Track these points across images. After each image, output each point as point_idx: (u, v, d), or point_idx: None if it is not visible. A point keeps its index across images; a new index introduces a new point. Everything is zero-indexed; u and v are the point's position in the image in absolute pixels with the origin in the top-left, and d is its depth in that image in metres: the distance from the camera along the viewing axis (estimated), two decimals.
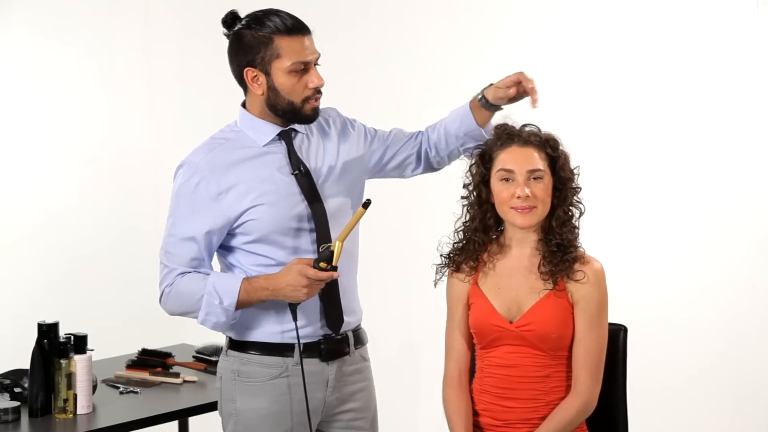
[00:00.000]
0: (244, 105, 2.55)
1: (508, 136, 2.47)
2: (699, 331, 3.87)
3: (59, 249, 4.43)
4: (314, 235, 2.48)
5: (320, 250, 2.38)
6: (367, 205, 2.34)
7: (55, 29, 4.43)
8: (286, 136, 2.52)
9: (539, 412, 2.43)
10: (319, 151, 2.57)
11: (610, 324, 2.50)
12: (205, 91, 4.62)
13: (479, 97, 2.57)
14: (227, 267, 2.54)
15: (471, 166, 2.53)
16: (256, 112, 2.51)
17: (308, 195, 2.47)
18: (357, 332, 2.61)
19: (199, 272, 2.45)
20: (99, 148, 4.57)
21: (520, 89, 2.50)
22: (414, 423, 4.27)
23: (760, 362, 3.79)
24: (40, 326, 2.81)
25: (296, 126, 2.53)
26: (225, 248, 2.51)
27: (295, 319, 2.43)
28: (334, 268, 2.36)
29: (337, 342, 2.54)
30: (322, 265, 2.34)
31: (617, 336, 2.58)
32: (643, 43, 3.90)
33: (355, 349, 2.60)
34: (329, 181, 2.53)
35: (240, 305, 2.41)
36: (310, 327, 2.49)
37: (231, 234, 2.47)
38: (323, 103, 2.53)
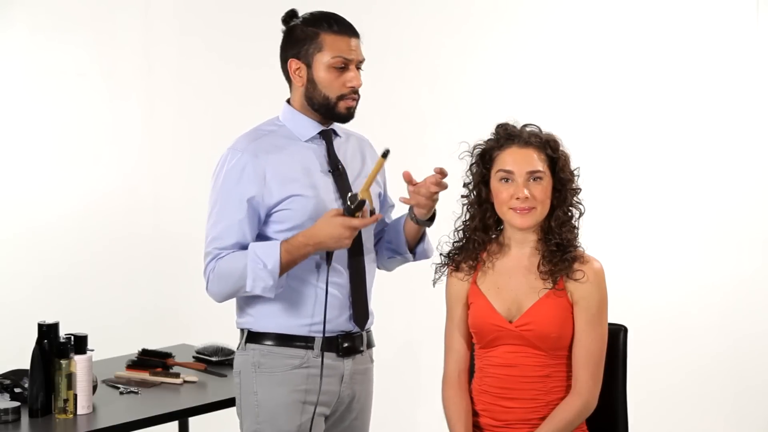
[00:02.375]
0: (289, 101, 2.62)
1: (508, 136, 2.47)
2: (699, 331, 3.88)
3: (59, 249, 4.42)
4: None
5: (348, 201, 2.42)
6: (386, 154, 2.40)
7: (55, 29, 4.42)
8: (326, 135, 2.59)
9: (539, 412, 2.43)
10: (355, 157, 2.65)
11: (610, 324, 2.50)
12: (205, 91, 4.62)
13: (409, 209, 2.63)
14: None
15: (471, 165, 2.53)
16: (297, 106, 2.58)
17: (342, 194, 2.54)
18: (369, 333, 2.67)
19: (237, 251, 2.49)
20: (99, 148, 4.57)
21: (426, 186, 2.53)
22: (414, 423, 4.27)
23: (760, 363, 3.80)
24: (40, 326, 2.81)
25: (336, 128, 2.62)
26: (261, 238, 2.54)
27: (329, 263, 2.48)
28: (372, 212, 2.43)
29: (354, 339, 2.59)
30: (349, 203, 2.41)
31: (617, 336, 2.58)
32: (643, 44, 3.90)
33: (367, 349, 2.65)
34: (356, 186, 2.58)
35: (284, 266, 2.45)
36: (334, 321, 2.53)
37: (266, 222, 2.52)
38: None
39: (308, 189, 2.51)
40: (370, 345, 2.67)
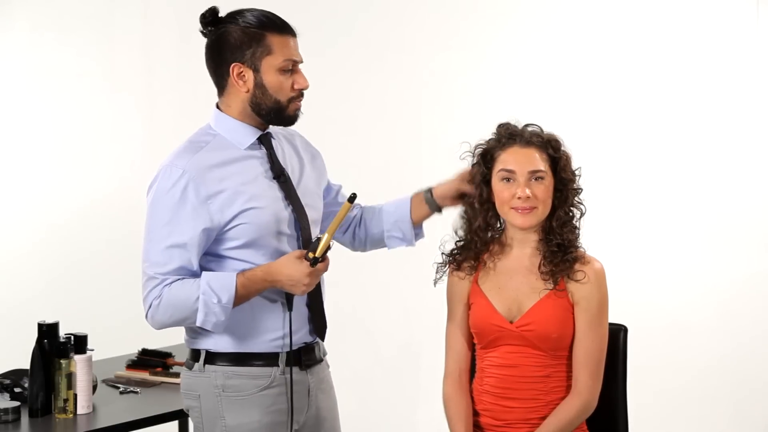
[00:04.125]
0: (218, 107, 2.49)
1: (509, 135, 2.46)
2: (699, 331, 3.88)
3: (59, 249, 4.42)
4: (295, 240, 2.44)
5: (311, 250, 2.32)
6: (352, 199, 2.32)
7: (55, 29, 4.43)
8: (265, 141, 2.47)
9: (539, 412, 2.43)
10: (292, 156, 2.54)
11: (610, 324, 2.50)
12: (205, 90, 4.61)
13: (425, 189, 2.60)
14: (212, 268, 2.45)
15: (473, 165, 2.53)
16: (235, 113, 2.44)
17: (291, 200, 2.44)
18: (321, 342, 2.58)
19: (186, 278, 2.36)
20: (99, 148, 4.57)
21: (462, 195, 2.53)
22: (414, 423, 4.27)
23: (760, 363, 3.80)
24: (40, 326, 2.81)
25: (271, 130, 2.50)
26: (209, 255, 2.42)
27: (290, 309, 2.38)
28: (322, 259, 2.32)
29: (312, 350, 2.50)
30: (311, 255, 2.31)
31: (617, 336, 2.58)
32: (644, 44, 3.90)
33: (323, 356, 2.57)
34: (300, 190, 2.49)
35: (238, 300, 2.34)
36: (296, 334, 2.44)
37: (218, 240, 2.39)
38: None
39: (258, 200, 2.37)
40: (325, 352, 2.59)
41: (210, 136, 2.45)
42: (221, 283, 2.32)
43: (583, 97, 4.00)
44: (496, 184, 2.46)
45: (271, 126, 2.49)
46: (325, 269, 2.35)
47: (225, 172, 2.38)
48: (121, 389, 3.03)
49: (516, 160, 2.43)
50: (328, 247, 2.32)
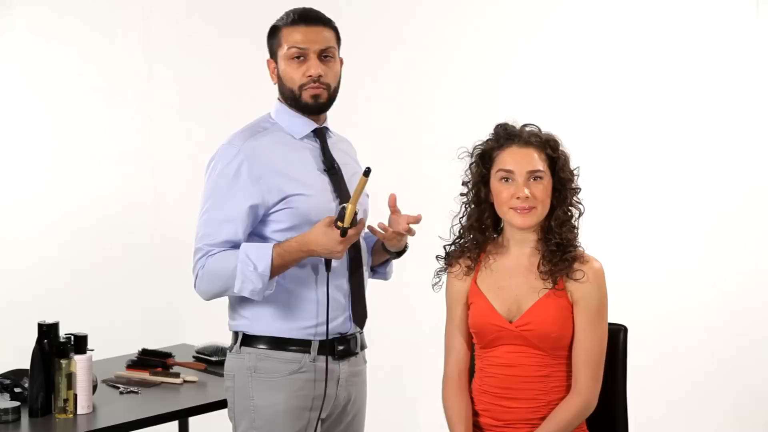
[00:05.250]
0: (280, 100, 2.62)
1: (508, 136, 2.47)
2: (699, 330, 3.87)
3: (59, 249, 4.43)
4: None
5: (339, 218, 2.40)
6: (368, 173, 2.38)
7: (55, 29, 4.43)
8: (320, 134, 2.59)
9: (539, 412, 2.43)
10: (346, 158, 2.65)
11: (610, 324, 2.50)
12: (205, 90, 4.62)
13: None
14: None
15: (471, 165, 2.53)
16: (283, 101, 2.59)
17: (340, 192, 2.54)
18: (362, 335, 2.66)
19: (228, 250, 2.46)
20: (99, 148, 4.57)
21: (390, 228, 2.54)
22: (414, 423, 4.27)
23: (760, 362, 3.80)
24: (40, 326, 2.81)
25: (328, 127, 2.62)
26: (256, 236, 2.52)
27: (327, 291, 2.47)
28: (350, 228, 2.40)
29: (348, 342, 2.58)
30: (340, 224, 2.39)
31: (617, 336, 2.58)
32: (643, 43, 3.90)
33: (360, 350, 2.64)
34: (351, 186, 2.57)
35: (275, 270, 2.43)
36: (333, 322, 2.52)
37: (264, 221, 2.50)
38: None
39: (307, 188, 2.50)
40: (363, 347, 2.66)
41: (269, 123, 2.58)
42: (258, 253, 2.42)
43: (581, 96, 4.00)
44: (495, 185, 2.46)
45: (328, 124, 2.63)
46: (357, 235, 2.44)
47: (278, 157, 2.50)
48: (121, 389, 3.03)
49: (514, 160, 2.43)
50: (355, 215, 2.40)
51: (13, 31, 4.36)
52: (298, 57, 2.50)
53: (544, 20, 4.10)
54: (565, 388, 2.45)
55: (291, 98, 2.54)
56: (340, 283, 2.55)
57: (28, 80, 4.38)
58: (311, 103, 2.53)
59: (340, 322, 2.55)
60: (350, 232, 2.39)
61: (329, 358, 2.52)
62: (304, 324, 2.51)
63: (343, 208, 2.40)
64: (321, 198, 2.51)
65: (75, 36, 4.49)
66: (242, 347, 2.54)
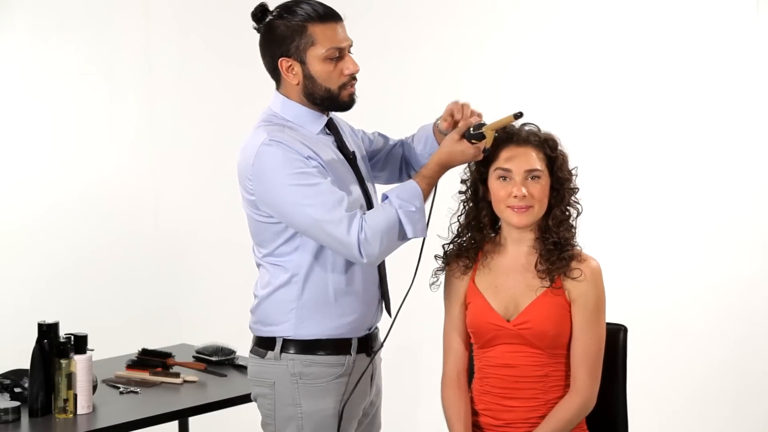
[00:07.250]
0: (282, 94, 2.51)
1: (506, 135, 2.47)
2: (699, 331, 3.88)
3: (59, 249, 4.42)
4: None
5: (472, 130, 2.39)
6: (518, 116, 2.37)
7: (55, 29, 4.42)
8: (332, 127, 2.53)
9: (539, 411, 2.43)
10: (353, 141, 2.62)
11: (609, 324, 2.50)
12: (205, 90, 4.62)
13: (436, 122, 2.61)
14: (293, 250, 2.46)
15: (469, 164, 2.53)
16: (297, 100, 2.48)
17: (361, 180, 2.51)
18: (377, 329, 2.63)
19: (368, 211, 2.41)
20: (99, 148, 4.57)
21: (454, 120, 2.51)
22: (414, 423, 4.27)
23: (760, 362, 3.80)
24: (40, 326, 2.81)
25: (333, 115, 2.55)
26: None
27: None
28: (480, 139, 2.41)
29: (375, 337, 2.58)
30: (474, 142, 2.39)
31: (617, 336, 2.58)
32: (643, 43, 3.90)
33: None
34: (363, 171, 2.56)
35: (425, 198, 2.40)
36: (368, 316, 2.51)
37: None
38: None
39: (340, 182, 2.42)
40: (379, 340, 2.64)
41: (282, 120, 2.47)
42: (409, 193, 2.37)
43: (580, 96, 4.00)
44: (493, 183, 2.46)
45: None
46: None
47: (310, 153, 2.41)
48: (121, 389, 3.03)
49: (512, 159, 2.43)
50: (482, 135, 2.39)
51: (13, 31, 4.36)
52: (334, 57, 2.42)
53: (543, 20, 4.10)
54: (563, 387, 2.45)
55: (325, 98, 2.45)
56: (372, 272, 2.52)
57: (28, 80, 4.38)
58: (348, 101, 2.48)
59: (374, 312, 2.54)
60: (480, 144, 2.40)
61: (362, 355, 2.50)
62: (346, 320, 2.46)
63: (479, 126, 2.38)
64: (350, 187, 2.45)
65: (75, 36, 4.48)
66: (284, 353, 2.46)
